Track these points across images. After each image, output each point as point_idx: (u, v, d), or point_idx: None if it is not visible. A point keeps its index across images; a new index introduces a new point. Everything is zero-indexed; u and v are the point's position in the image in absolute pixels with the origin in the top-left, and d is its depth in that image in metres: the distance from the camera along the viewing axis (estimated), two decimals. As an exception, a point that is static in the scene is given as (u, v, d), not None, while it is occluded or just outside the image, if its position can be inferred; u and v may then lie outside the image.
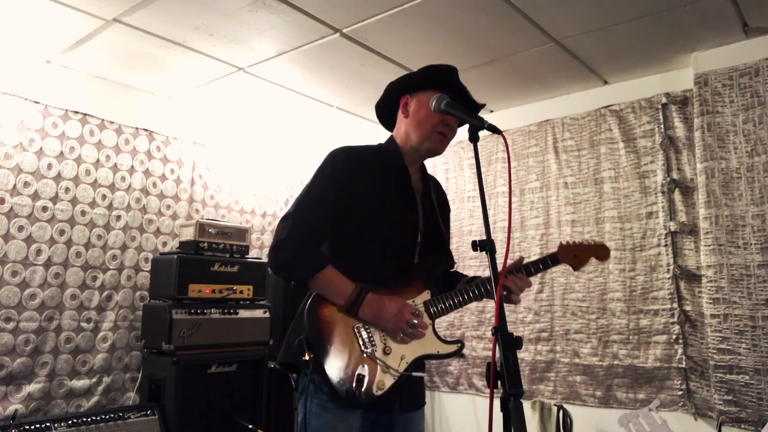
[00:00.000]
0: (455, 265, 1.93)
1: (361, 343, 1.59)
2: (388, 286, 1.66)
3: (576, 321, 3.33)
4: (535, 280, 3.52)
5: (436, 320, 1.69)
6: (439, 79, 1.77)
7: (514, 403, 1.13)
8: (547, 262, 1.79)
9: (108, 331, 3.39)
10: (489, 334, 3.27)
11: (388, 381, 1.57)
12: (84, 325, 3.30)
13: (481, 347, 3.72)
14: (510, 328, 1.23)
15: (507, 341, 1.19)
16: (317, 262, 1.62)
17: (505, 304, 1.44)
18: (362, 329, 1.60)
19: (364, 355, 1.58)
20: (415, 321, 1.61)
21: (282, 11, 2.68)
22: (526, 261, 1.77)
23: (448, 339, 1.70)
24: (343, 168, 1.70)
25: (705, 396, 2.87)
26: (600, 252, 1.88)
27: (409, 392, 1.68)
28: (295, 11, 2.68)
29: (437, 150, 1.80)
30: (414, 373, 1.62)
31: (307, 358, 1.55)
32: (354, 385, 1.53)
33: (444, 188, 2.06)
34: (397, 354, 1.61)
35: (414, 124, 1.76)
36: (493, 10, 2.64)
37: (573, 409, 3.19)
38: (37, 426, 2.68)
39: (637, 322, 3.12)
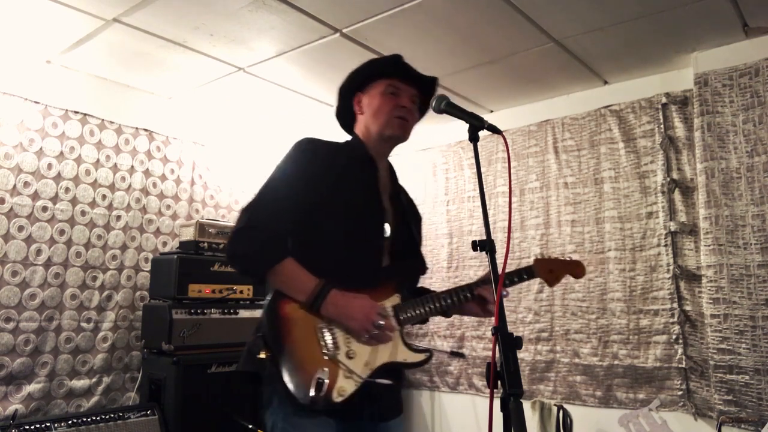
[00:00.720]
0: (426, 270, 1.82)
1: (323, 344, 1.48)
2: (355, 286, 1.55)
3: (576, 321, 3.33)
4: (535, 279, 3.52)
5: (406, 327, 1.61)
6: (384, 68, 1.75)
7: (514, 403, 1.13)
8: (522, 275, 1.75)
9: (108, 331, 3.39)
10: (489, 334, 3.26)
11: (350, 387, 1.46)
12: (84, 325, 3.30)
13: (481, 347, 3.72)
14: (510, 328, 1.23)
15: (507, 341, 1.19)
16: (276, 253, 1.52)
17: (504, 304, 1.40)
18: (325, 330, 1.49)
19: (326, 358, 1.46)
20: (383, 322, 1.50)
21: (282, 11, 2.68)
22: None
23: (417, 347, 1.60)
24: (308, 159, 1.63)
25: (705, 396, 2.87)
26: (576, 270, 1.84)
27: (381, 401, 1.55)
28: (295, 11, 2.68)
29: (400, 136, 1.73)
30: (379, 380, 1.51)
31: (263, 355, 1.43)
32: (313, 390, 1.40)
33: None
34: (361, 359, 1.51)
35: (370, 116, 1.73)
36: (493, 10, 2.64)
37: (573, 409, 3.19)
38: (37, 426, 2.68)
39: (637, 322, 3.12)
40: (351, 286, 1.55)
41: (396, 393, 1.66)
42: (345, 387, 1.46)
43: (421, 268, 1.78)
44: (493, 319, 1.25)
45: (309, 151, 1.65)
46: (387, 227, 1.68)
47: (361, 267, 1.61)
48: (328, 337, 1.49)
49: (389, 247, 1.67)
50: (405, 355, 1.58)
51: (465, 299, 1.67)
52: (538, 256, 1.81)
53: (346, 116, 1.84)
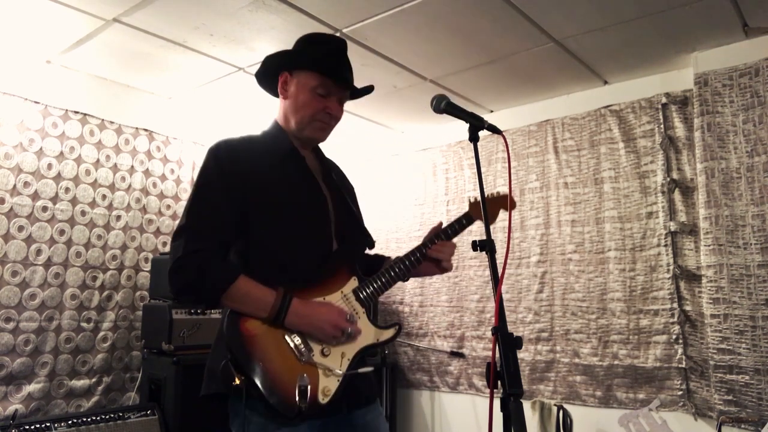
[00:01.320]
0: (374, 244, 1.77)
1: (295, 350, 1.43)
2: (312, 282, 1.51)
3: (576, 321, 3.33)
4: (535, 279, 3.53)
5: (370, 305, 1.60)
6: (321, 63, 1.60)
7: (514, 403, 1.12)
8: (462, 222, 1.73)
9: (108, 331, 3.39)
10: (489, 334, 3.26)
11: (333, 384, 1.44)
12: (84, 325, 3.30)
13: (481, 347, 3.72)
14: (510, 328, 1.23)
15: (507, 341, 1.19)
16: (226, 273, 1.42)
17: (504, 305, 1.38)
18: (294, 335, 1.44)
19: (302, 363, 1.41)
20: (351, 328, 1.47)
21: (282, 11, 2.68)
22: (444, 227, 1.71)
23: (385, 324, 1.61)
24: (228, 161, 1.52)
25: (705, 396, 2.87)
26: (505, 203, 1.80)
27: (354, 388, 1.51)
28: (295, 11, 2.68)
29: (318, 138, 1.67)
30: (360, 370, 1.49)
31: (237, 382, 1.34)
32: (297, 399, 1.35)
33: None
34: (337, 353, 1.47)
35: (292, 108, 1.62)
36: (493, 10, 2.64)
37: (573, 409, 3.19)
38: (37, 426, 2.68)
39: (637, 322, 3.12)
40: (306, 281, 1.50)
41: (366, 379, 1.61)
42: (328, 386, 1.43)
43: (368, 243, 1.74)
44: (493, 318, 1.25)
45: (227, 155, 1.54)
46: (330, 210, 1.62)
47: (312, 259, 1.55)
48: (298, 342, 1.44)
49: (336, 228, 1.62)
50: (377, 335, 1.57)
51: (418, 262, 1.65)
52: (471, 200, 1.76)
53: (267, 83, 1.72)
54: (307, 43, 1.68)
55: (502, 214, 1.83)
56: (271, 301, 1.42)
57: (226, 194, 1.49)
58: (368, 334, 1.55)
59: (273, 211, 1.52)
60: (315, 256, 1.55)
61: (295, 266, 1.52)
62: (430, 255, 1.66)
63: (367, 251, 1.80)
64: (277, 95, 1.70)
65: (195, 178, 1.55)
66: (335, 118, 1.65)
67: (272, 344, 1.42)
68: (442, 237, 1.68)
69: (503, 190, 1.84)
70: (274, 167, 1.57)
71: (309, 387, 1.38)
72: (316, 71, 1.60)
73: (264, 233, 1.51)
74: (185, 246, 1.43)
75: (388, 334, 1.58)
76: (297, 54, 1.66)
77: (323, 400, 1.41)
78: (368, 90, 1.75)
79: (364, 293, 1.58)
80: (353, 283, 1.58)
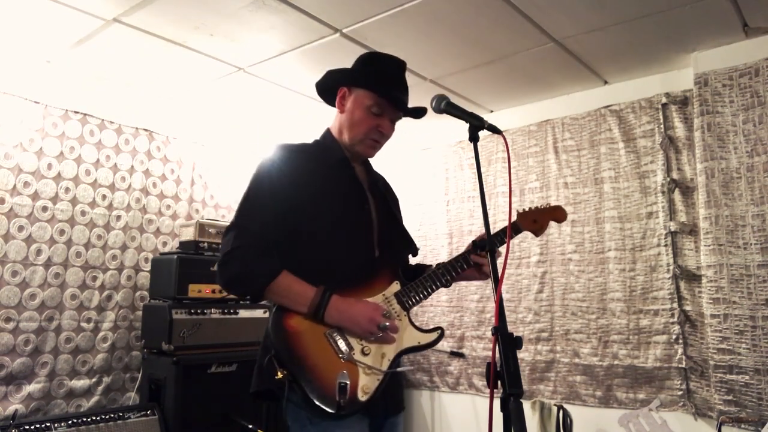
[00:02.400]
0: (417, 252, 1.84)
1: (336, 348, 1.48)
2: (354, 285, 1.57)
3: (576, 321, 3.33)
4: (535, 279, 3.53)
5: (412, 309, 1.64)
6: (378, 85, 1.69)
7: (514, 403, 1.12)
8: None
9: (108, 331, 3.39)
10: (489, 334, 3.26)
11: (373, 383, 1.48)
12: (84, 325, 3.30)
13: (481, 347, 3.72)
14: (510, 328, 1.23)
15: (507, 341, 1.19)
16: (269, 269, 1.50)
17: (504, 305, 1.40)
18: (335, 333, 1.50)
19: (342, 361, 1.47)
20: (387, 323, 1.52)
21: (282, 11, 2.68)
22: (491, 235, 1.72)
23: (427, 328, 1.64)
24: (284, 166, 1.62)
25: (705, 396, 2.87)
26: (557, 214, 1.87)
27: (392, 395, 1.59)
28: (295, 11, 2.68)
29: (367, 155, 1.75)
30: (399, 369, 1.55)
31: (280, 375, 1.41)
32: (337, 395, 1.40)
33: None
34: (378, 353, 1.52)
35: (348, 123, 1.71)
36: (493, 10, 2.64)
37: (573, 409, 3.19)
38: (37, 426, 2.68)
39: (637, 322, 3.12)
40: (349, 284, 1.56)
41: (400, 387, 1.69)
42: (368, 384, 1.47)
43: (412, 250, 1.80)
44: (493, 318, 1.25)
45: (284, 159, 1.64)
46: (374, 219, 1.69)
47: (355, 263, 1.61)
48: (339, 340, 1.49)
49: (378, 237, 1.68)
50: (418, 338, 1.61)
51: (462, 268, 1.69)
52: (519, 210, 1.82)
53: (326, 95, 1.81)
54: (368, 62, 1.77)
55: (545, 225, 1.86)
56: (311, 296, 1.48)
57: (276, 198, 1.57)
58: (410, 336, 1.59)
59: (320, 218, 1.59)
60: (358, 261, 1.62)
61: (338, 270, 1.58)
62: (474, 260, 1.70)
63: (411, 260, 1.87)
64: (333, 104, 1.79)
65: (253, 176, 1.66)
66: (386, 136, 1.73)
67: (314, 341, 1.47)
68: (494, 242, 1.67)
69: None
70: (324, 175, 1.65)
71: (348, 384, 1.42)
72: (372, 90, 1.68)
73: (309, 240, 1.58)
74: (233, 242, 1.51)
75: (430, 337, 1.62)
76: (356, 72, 1.75)
77: (363, 397, 1.45)
78: (421, 112, 1.78)
79: (406, 296, 1.62)
80: (395, 286, 1.63)
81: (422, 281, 1.66)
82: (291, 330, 1.48)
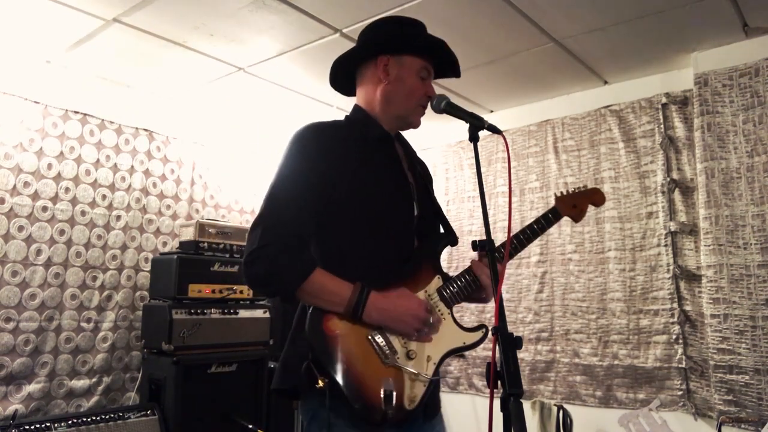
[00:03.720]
0: (457, 241, 1.62)
1: (379, 351, 1.36)
2: (394, 281, 1.43)
3: (576, 321, 3.33)
4: (535, 279, 3.53)
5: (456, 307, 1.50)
6: (429, 47, 1.57)
7: (514, 403, 1.11)
8: (549, 219, 1.62)
9: (108, 331, 3.39)
10: (489, 334, 3.26)
11: (419, 390, 1.36)
12: (84, 325, 3.30)
13: (481, 347, 3.72)
14: (510, 328, 1.22)
15: (507, 341, 1.18)
16: (301, 267, 1.35)
17: (504, 305, 1.34)
18: (377, 336, 1.37)
19: (386, 366, 1.35)
20: (432, 318, 1.41)
21: (282, 11, 2.68)
22: (531, 222, 1.61)
23: (471, 326, 1.50)
24: (315, 147, 1.45)
25: (705, 396, 2.87)
26: (595, 197, 1.75)
27: (432, 397, 1.45)
28: (295, 11, 2.68)
29: (417, 123, 1.62)
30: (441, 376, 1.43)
31: (321, 384, 1.29)
32: (383, 404, 1.28)
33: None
34: (423, 356, 1.40)
35: (401, 92, 1.55)
36: (493, 10, 2.64)
37: (573, 409, 3.19)
38: (37, 426, 2.68)
39: (637, 322, 3.12)
40: (390, 281, 1.42)
41: (437, 387, 1.55)
42: (415, 391, 1.36)
43: (451, 240, 1.60)
44: (493, 318, 1.24)
45: (315, 140, 1.46)
46: (415, 204, 1.54)
47: (395, 256, 1.47)
48: (382, 343, 1.37)
49: (417, 224, 1.54)
50: (464, 338, 1.48)
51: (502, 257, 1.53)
52: (557, 194, 1.69)
53: (352, 66, 1.62)
54: (400, 25, 1.62)
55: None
56: (348, 294, 1.35)
57: (308, 185, 1.41)
58: (455, 336, 1.47)
59: (357, 204, 1.45)
60: (396, 254, 1.48)
61: (376, 263, 1.45)
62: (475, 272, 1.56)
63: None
64: (343, 90, 1.68)
65: (281, 161, 1.44)
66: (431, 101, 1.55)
67: (355, 344, 1.35)
68: (528, 233, 1.60)
69: (590, 184, 1.76)
70: (362, 155, 1.49)
71: (395, 392, 1.31)
72: (422, 55, 1.55)
73: (344, 228, 1.44)
74: (260, 238, 1.34)
75: (476, 336, 1.49)
76: (397, 38, 1.57)
77: (409, 406, 1.34)
78: (458, 71, 1.66)
79: (449, 293, 1.49)
80: (437, 282, 1.50)
81: (464, 274, 1.52)
82: (330, 333, 1.34)
